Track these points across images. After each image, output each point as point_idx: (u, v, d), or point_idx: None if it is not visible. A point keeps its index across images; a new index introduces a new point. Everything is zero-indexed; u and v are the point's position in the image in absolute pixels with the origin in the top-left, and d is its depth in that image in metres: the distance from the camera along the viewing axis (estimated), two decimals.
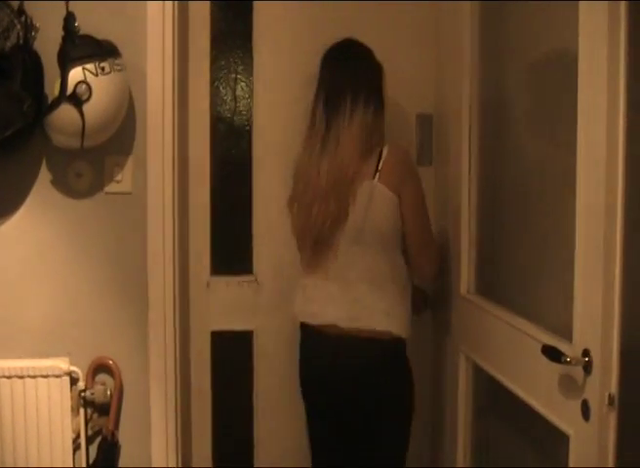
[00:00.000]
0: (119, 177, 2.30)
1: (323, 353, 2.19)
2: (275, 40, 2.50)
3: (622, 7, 1.38)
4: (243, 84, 2.53)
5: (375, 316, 2.10)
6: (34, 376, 2.24)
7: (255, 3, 2.48)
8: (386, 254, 2.13)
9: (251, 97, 2.53)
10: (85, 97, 2.07)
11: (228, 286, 2.54)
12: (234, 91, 2.53)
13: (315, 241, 2.16)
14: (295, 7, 2.49)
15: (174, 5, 2.27)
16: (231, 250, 2.59)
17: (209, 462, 2.58)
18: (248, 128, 2.54)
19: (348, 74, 2.16)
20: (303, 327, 2.24)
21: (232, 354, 2.61)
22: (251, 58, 2.51)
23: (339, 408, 2.19)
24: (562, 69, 1.71)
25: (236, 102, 2.54)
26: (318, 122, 2.15)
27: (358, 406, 2.15)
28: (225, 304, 2.54)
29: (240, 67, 2.53)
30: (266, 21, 2.49)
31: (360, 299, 2.11)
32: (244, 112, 2.54)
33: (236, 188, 2.56)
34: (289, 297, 2.32)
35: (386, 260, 2.13)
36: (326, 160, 2.12)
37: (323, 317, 2.16)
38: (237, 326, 2.57)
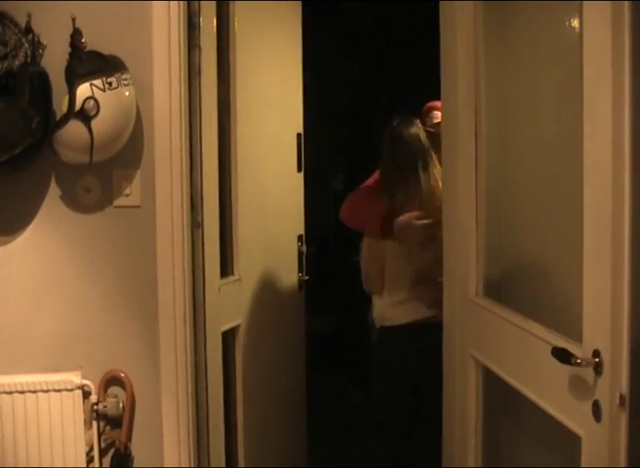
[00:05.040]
0: (128, 191, 2.31)
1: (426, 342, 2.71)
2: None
3: (626, 7, 1.40)
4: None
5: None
6: (47, 391, 2.24)
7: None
8: None
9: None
10: (93, 113, 2.09)
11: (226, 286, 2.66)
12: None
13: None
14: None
15: (179, 19, 2.28)
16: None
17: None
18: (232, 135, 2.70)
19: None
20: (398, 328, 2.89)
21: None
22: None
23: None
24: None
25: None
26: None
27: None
28: (230, 304, 2.67)
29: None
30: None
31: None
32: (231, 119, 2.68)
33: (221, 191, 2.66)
34: (271, 293, 2.90)
35: None
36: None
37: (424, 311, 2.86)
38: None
